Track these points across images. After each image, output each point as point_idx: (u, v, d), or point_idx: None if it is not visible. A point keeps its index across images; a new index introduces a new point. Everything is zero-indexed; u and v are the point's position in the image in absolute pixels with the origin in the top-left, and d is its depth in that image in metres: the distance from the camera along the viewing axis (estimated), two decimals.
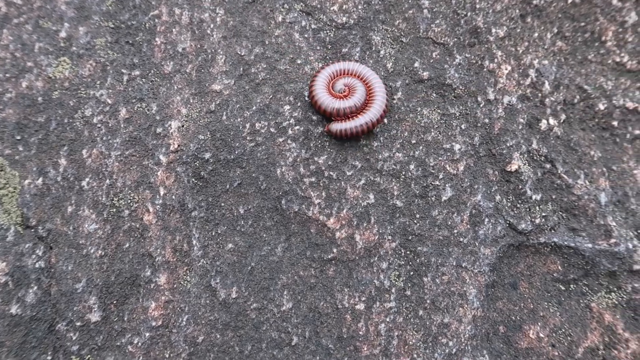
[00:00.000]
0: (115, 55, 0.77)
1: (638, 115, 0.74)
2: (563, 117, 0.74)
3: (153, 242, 0.69)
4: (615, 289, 0.68)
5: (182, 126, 0.73)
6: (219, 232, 0.70)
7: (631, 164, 0.73)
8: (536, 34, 0.77)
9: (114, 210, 0.70)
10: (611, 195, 0.71)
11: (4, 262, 0.67)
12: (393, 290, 0.68)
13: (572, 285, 0.69)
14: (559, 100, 0.75)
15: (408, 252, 0.69)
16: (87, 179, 0.71)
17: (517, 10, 0.78)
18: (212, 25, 0.78)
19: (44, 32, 0.77)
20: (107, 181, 0.71)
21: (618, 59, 0.75)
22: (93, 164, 0.71)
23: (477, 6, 0.78)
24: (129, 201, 0.70)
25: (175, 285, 0.68)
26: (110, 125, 0.73)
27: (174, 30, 0.77)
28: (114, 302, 0.68)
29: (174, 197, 0.71)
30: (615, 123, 0.73)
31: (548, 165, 0.72)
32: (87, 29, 0.77)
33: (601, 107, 0.74)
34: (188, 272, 0.69)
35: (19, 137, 0.72)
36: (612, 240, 0.69)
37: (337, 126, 0.71)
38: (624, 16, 0.76)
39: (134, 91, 0.75)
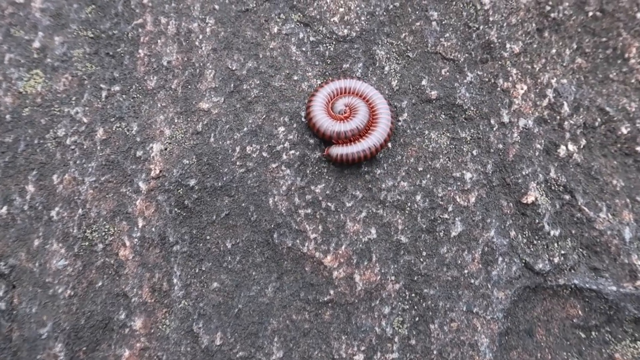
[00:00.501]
0: (93, 68, 0.71)
1: None
2: (583, 142, 0.69)
3: (129, 281, 0.65)
4: None
5: (165, 149, 0.68)
6: (203, 269, 0.65)
7: None
8: (554, 50, 0.72)
9: (87, 243, 0.66)
10: (636, 229, 0.66)
11: None
12: (396, 339, 0.63)
13: (593, 333, 0.64)
14: (578, 124, 0.70)
15: (413, 295, 0.64)
16: (57, 208, 0.66)
17: (534, 24, 0.74)
18: (201, 37, 0.73)
19: (15, 41, 0.71)
20: (80, 211, 0.66)
21: None
22: (64, 191, 0.67)
23: (490, 19, 0.73)
24: (104, 234, 0.66)
25: (152, 330, 0.64)
26: (85, 147, 0.68)
27: (159, 41, 0.72)
28: (83, 349, 0.63)
29: (153, 229, 0.66)
30: (639, 149, 0.69)
31: (567, 197, 0.67)
32: (63, 38, 0.72)
33: (624, 130, 0.69)
34: (167, 314, 0.64)
35: None
36: (638, 283, 0.64)
37: (337, 151, 0.66)
38: None
39: (113, 109, 0.70)
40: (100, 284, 0.64)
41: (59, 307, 0.63)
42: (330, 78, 0.71)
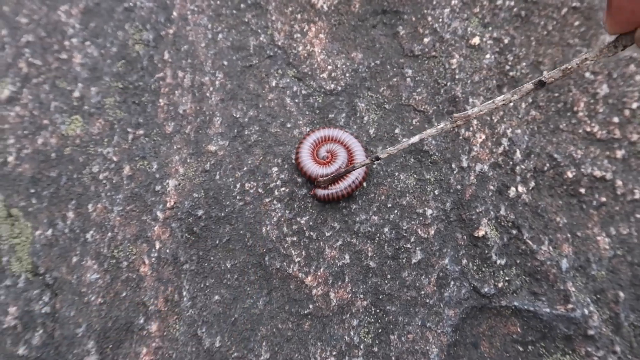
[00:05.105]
0: (122, 114, 0.84)
1: (605, 183, 0.78)
2: (532, 184, 0.78)
3: (147, 292, 0.75)
4: (570, 352, 0.73)
5: (179, 184, 0.80)
6: (207, 284, 0.76)
7: (595, 230, 0.76)
8: (511, 104, 0.82)
9: (114, 261, 0.77)
10: (573, 260, 0.75)
11: (15, 307, 0.75)
12: (362, 347, 0.73)
13: (530, 347, 0.74)
14: (529, 168, 0.79)
15: (378, 311, 0.74)
16: (91, 232, 0.78)
17: (494, 81, 0.83)
18: (211, 88, 0.84)
19: (59, 91, 0.84)
20: (109, 234, 0.78)
21: (589, 129, 0.80)
22: (97, 218, 0.78)
23: (457, 76, 0.83)
24: (128, 253, 0.77)
25: (165, 333, 0.74)
26: (114, 181, 0.80)
27: (176, 92, 0.84)
28: (110, 346, 0.73)
29: (168, 250, 0.77)
30: (582, 190, 0.78)
31: (514, 231, 0.77)
32: (98, 88, 0.84)
33: (570, 175, 0.78)
34: (177, 321, 0.74)
35: (33, 190, 0.80)
36: (570, 306, 0.73)
37: (320, 191, 0.77)
38: (596, 88, 0.81)
39: (137, 149, 0.82)
40: (124, 294, 0.75)
41: (92, 312, 0.74)
42: (316, 127, 0.82)
